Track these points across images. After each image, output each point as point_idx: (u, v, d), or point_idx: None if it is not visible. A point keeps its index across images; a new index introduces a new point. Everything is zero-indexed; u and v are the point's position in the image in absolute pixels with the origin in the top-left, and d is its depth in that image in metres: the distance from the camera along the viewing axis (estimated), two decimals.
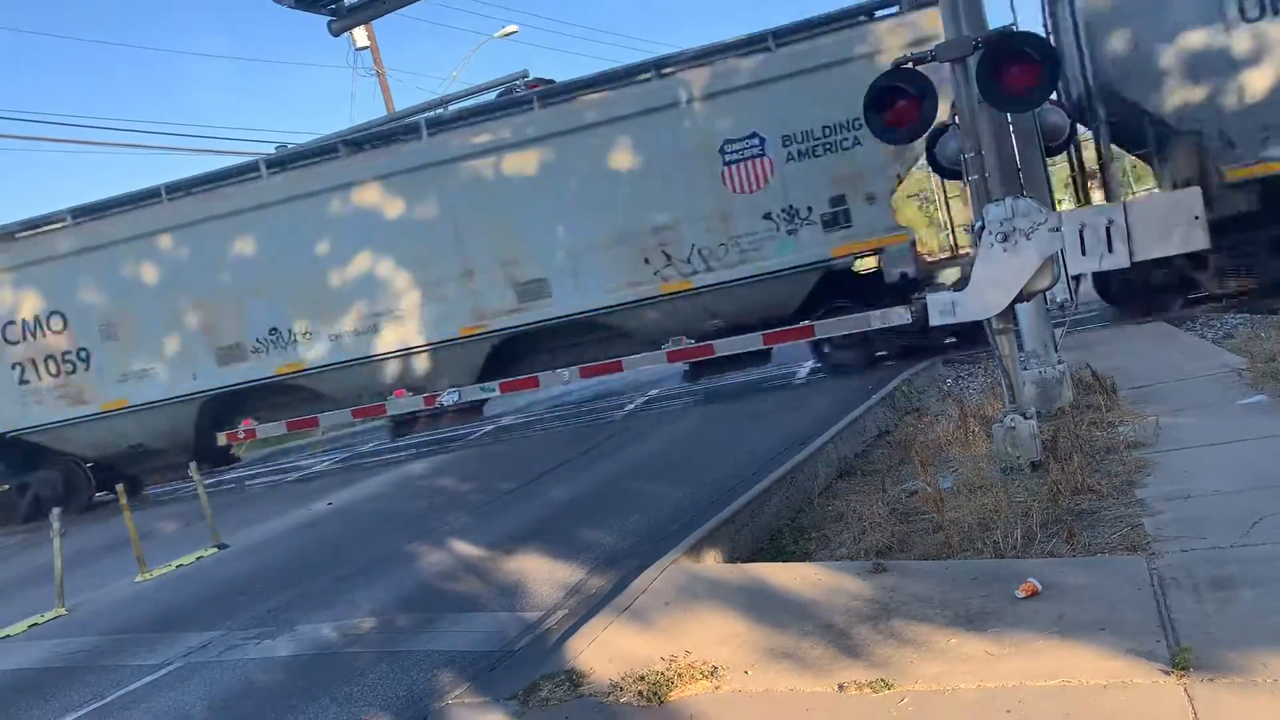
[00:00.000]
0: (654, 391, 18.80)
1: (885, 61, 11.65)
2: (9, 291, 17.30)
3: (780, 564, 6.56)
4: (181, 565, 11.22)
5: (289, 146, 18.81)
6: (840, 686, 4.53)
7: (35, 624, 9.69)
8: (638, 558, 7.33)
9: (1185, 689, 3.87)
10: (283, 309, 16.45)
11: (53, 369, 17.35)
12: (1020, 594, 5.04)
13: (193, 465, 13.27)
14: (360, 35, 27.29)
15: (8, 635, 9.46)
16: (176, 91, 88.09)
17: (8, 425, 17.62)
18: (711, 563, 6.74)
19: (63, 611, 9.97)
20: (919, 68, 7.81)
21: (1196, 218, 6.98)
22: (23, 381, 17.44)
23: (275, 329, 16.53)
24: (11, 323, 17.33)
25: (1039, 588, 5.05)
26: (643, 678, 4.93)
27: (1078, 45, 13.91)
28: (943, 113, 8.08)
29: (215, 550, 11.72)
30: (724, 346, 14.89)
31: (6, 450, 17.76)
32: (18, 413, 17.52)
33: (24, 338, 17.40)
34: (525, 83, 16.61)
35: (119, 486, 12.28)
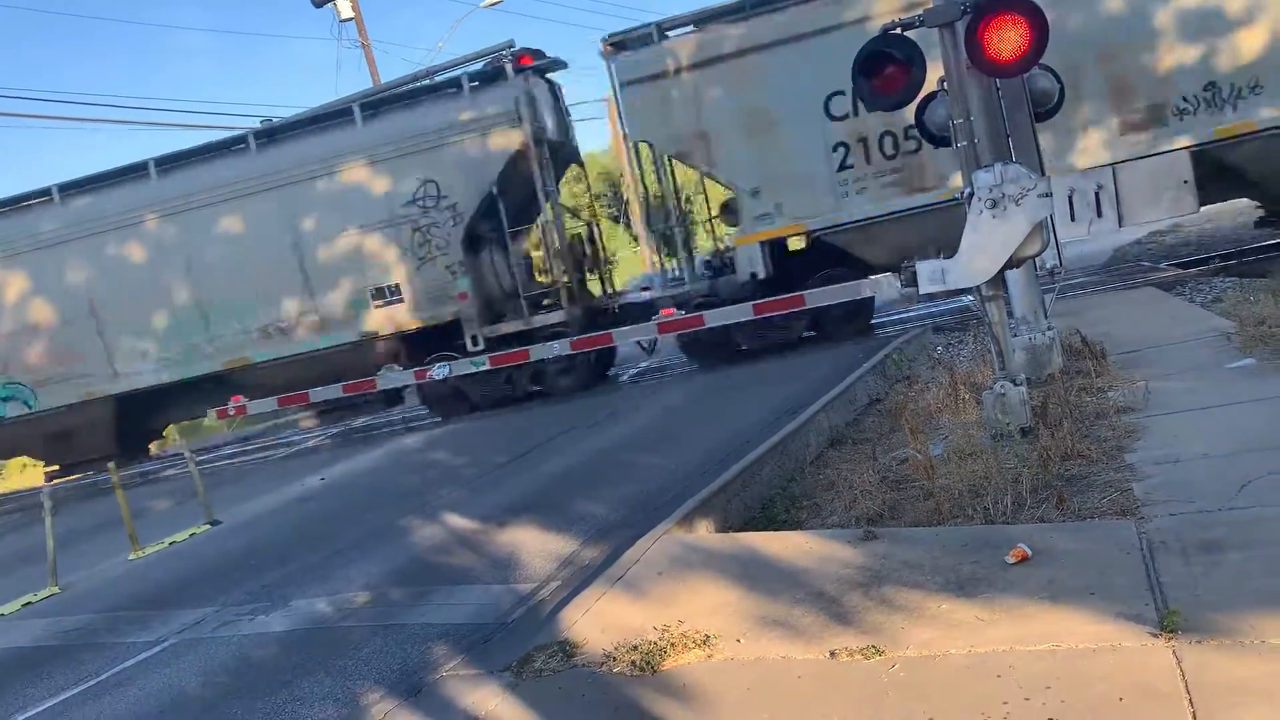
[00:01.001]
0: (645, 363, 18.80)
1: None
2: None
3: (772, 533, 6.59)
4: (174, 542, 11.23)
5: (274, 120, 18.68)
6: (832, 653, 4.56)
7: (29, 603, 9.70)
8: (630, 528, 7.35)
9: (1174, 651, 3.90)
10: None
11: None
12: (1010, 559, 5.06)
13: (185, 443, 13.25)
14: (345, 6, 27.01)
15: (1, 614, 9.47)
16: (158, 66, 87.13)
17: None
18: (704, 532, 6.76)
19: (56, 590, 9.98)
20: (908, 33, 7.76)
21: (1186, 181, 6.95)
22: None
23: None
24: None
25: (1029, 553, 5.08)
26: (636, 647, 4.96)
27: None
28: (932, 80, 8.03)
29: (208, 527, 11.73)
30: (714, 317, 14.89)
31: None
32: None
33: None
34: (512, 53, 16.45)
35: (110, 465, 12.27)
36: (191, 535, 11.47)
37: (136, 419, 18.69)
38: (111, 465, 12.23)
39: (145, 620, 8.11)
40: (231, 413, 16.99)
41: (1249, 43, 12.79)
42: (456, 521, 9.15)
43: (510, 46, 16.68)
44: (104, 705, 6.36)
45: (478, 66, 16.67)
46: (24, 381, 18.13)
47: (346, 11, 27.22)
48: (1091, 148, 12.05)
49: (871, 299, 15.47)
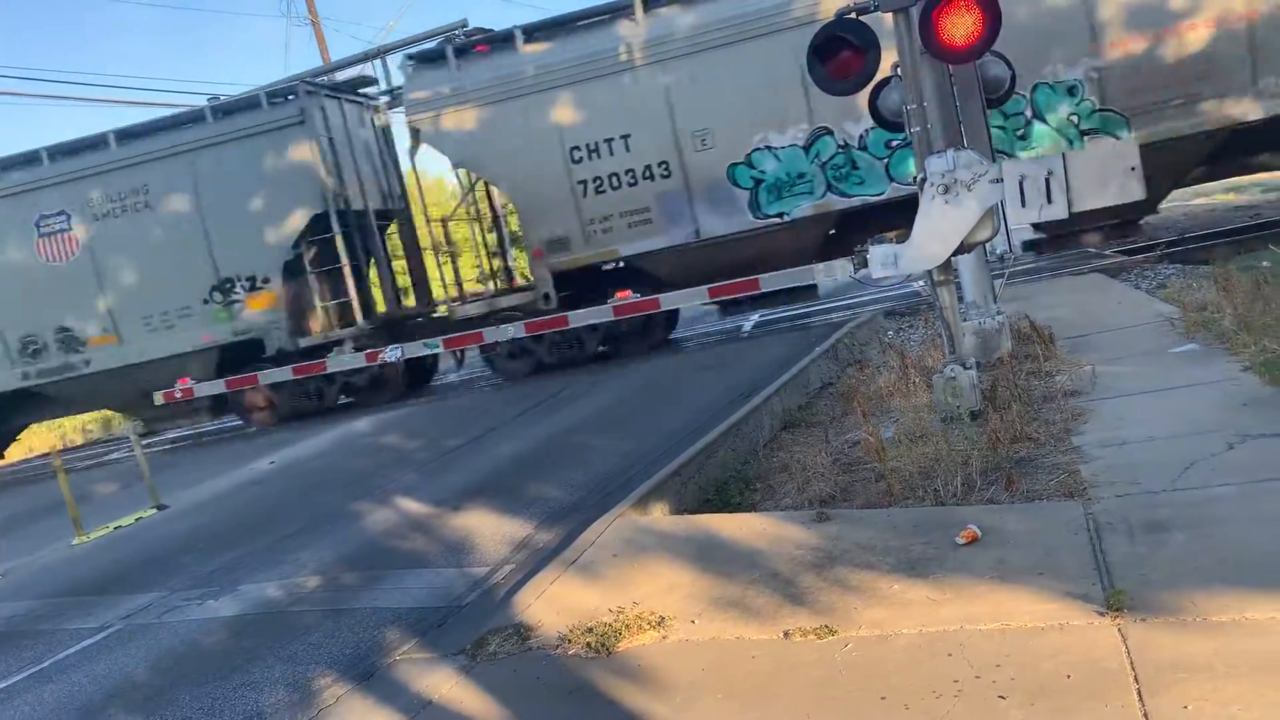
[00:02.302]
0: (603, 348, 18.75)
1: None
2: None
3: (726, 515, 6.61)
4: (120, 527, 11.03)
5: (221, 98, 18.32)
6: (786, 634, 4.59)
7: None
8: (585, 512, 7.34)
9: (1119, 629, 3.98)
10: None
11: None
12: (960, 540, 5.13)
13: (130, 425, 12.99)
14: None
15: None
16: (103, 41, 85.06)
17: None
18: (659, 515, 6.77)
19: None
20: (862, 18, 7.77)
21: (1133, 168, 7.04)
22: None
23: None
24: None
25: (979, 534, 5.15)
26: (590, 629, 4.96)
27: None
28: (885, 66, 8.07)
29: (155, 511, 11.53)
30: (669, 300, 14.90)
31: None
32: None
33: None
34: (464, 32, 16.27)
35: (53, 448, 12.01)
36: (137, 520, 11.27)
37: None
38: (54, 449, 11.97)
39: (89, 606, 7.96)
40: (178, 395, 16.70)
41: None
42: (409, 505, 9.08)
43: (463, 25, 16.51)
44: (46, 692, 6.23)
45: (431, 45, 16.47)
46: None
47: None
48: None
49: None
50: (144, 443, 13.52)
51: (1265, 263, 10.56)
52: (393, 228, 19.40)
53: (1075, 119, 14.52)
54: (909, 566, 5.01)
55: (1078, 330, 9.85)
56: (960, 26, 7.12)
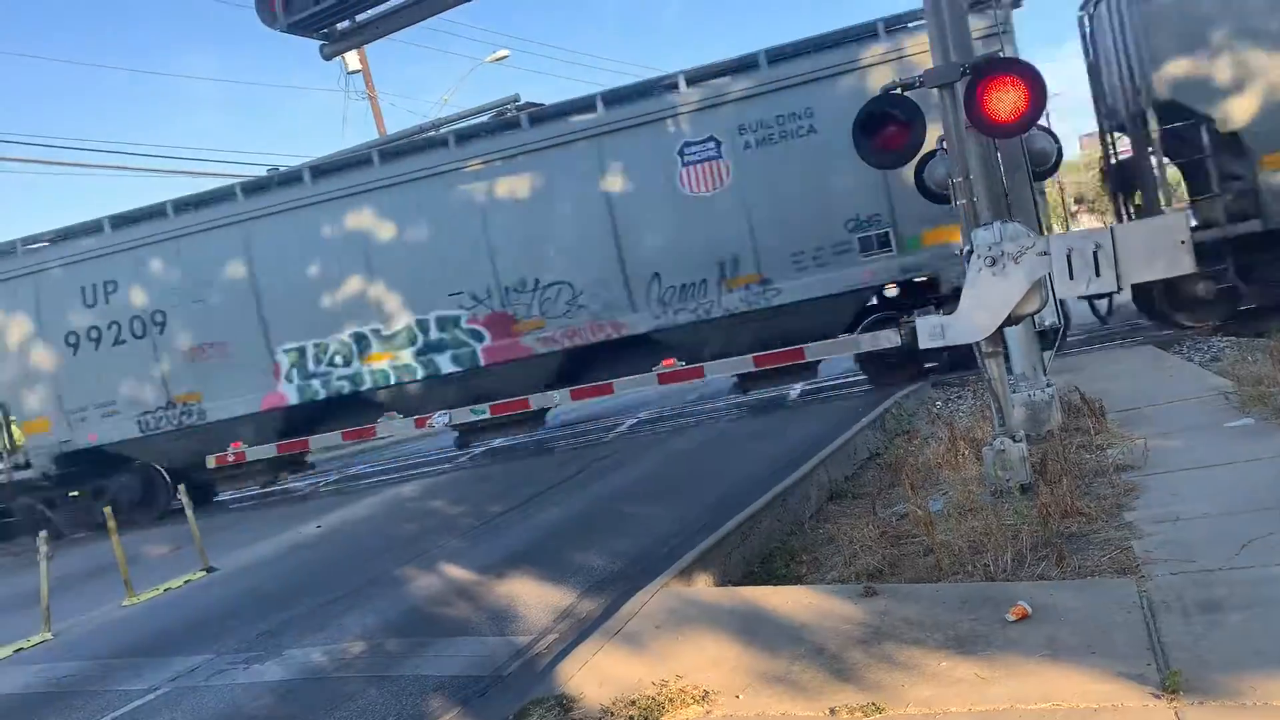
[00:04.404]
0: (644, 414, 18.83)
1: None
2: None
3: (771, 587, 6.56)
4: (169, 589, 11.15)
5: (280, 169, 18.87)
6: (832, 711, 4.53)
7: (20, 649, 9.60)
8: (629, 581, 7.32)
9: (1176, 712, 3.88)
10: None
11: None
12: (1010, 617, 5.05)
13: (180, 488, 13.19)
14: (352, 59, 27.41)
15: None
16: (168, 114, 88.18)
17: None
18: (703, 586, 6.73)
19: (49, 636, 9.89)
20: (907, 93, 7.89)
21: (1182, 242, 6.98)
22: None
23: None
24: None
25: (1029, 610, 5.06)
26: (634, 702, 4.92)
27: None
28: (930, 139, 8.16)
29: (204, 574, 11.66)
30: (714, 369, 14.97)
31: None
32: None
33: None
34: (516, 106, 16.68)
35: (106, 510, 12.22)
36: (186, 582, 11.40)
37: None
38: (108, 510, 12.18)
39: (138, 668, 8.04)
40: (230, 459, 16.96)
41: None
42: (453, 571, 9.10)
43: (515, 100, 16.92)
44: None
45: (486, 119, 16.88)
46: None
47: (354, 64, 27.63)
48: None
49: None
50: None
51: None
52: None
53: None
54: (958, 643, 4.93)
55: (1129, 403, 9.72)
56: (1005, 101, 7.21)
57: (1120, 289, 7.35)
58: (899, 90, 7.89)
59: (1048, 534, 6.25)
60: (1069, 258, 6.98)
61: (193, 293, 16.81)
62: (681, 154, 15.14)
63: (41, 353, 17.41)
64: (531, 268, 15.64)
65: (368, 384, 16.38)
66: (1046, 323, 10.22)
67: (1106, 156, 16.50)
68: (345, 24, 11.20)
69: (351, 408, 16.75)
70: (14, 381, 17.67)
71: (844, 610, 5.61)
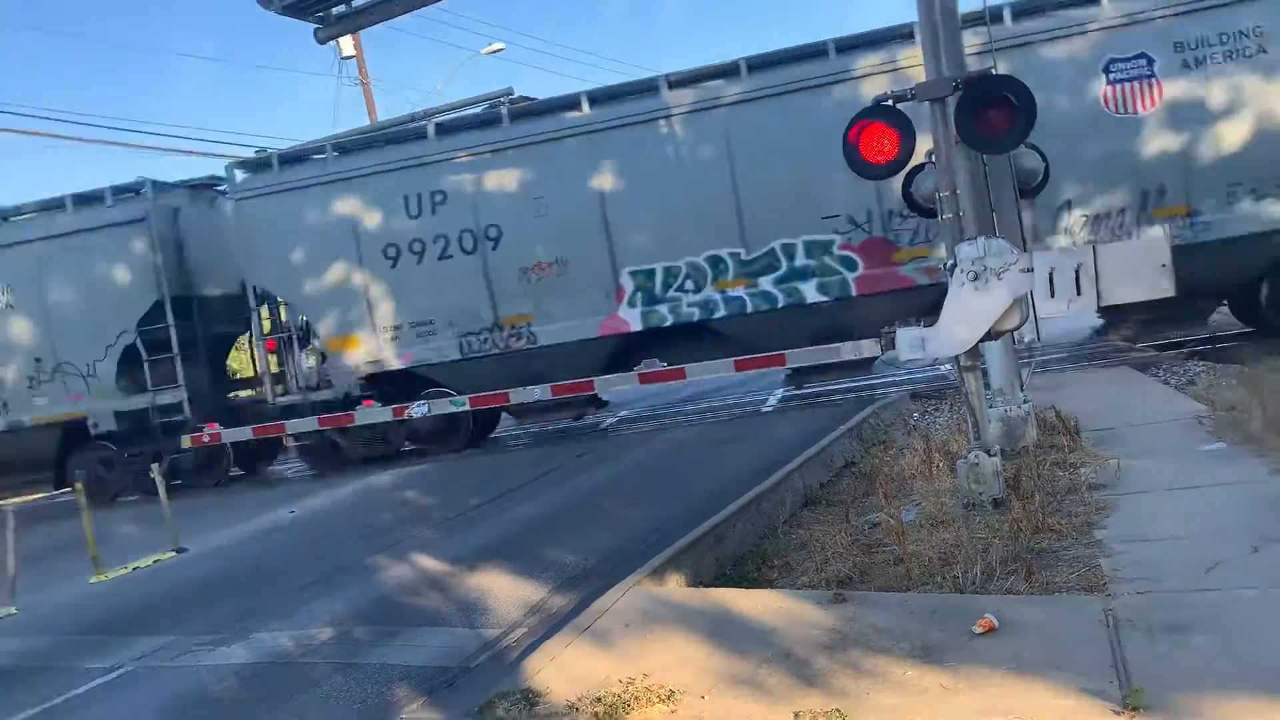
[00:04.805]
0: (625, 412, 18.83)
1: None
2: None
3: (742, 590, 6.57)
4: (138, 568, 11.08)
5: (269, 151, 18.77)
6: (796, 715, 4.54)
7: None
8: (601, 578, 7.33)
9: None
10: None
11: None
12: (978, 629, 5.08)
13: (154, 466, 13.10)
14: (347, 44, 27.29)
15: None
16: (157, 91, 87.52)
17: None
18: (674, 586, 6.75)
19: (13, 611, 9.82)
20: (899, 105, 7.91)
21: (1164, 265, 7.09)
22: None
23: None
24: None
25: (996, 624, 5.10)
26: (599, 699, 4.93)
27: None
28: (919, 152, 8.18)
29: (174, 554, 11.59)
30: (695, 370, 14.98)
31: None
32: None
33: None
34: (509, 100, 16.65)
35: (77, 485, 12.13)
36: (156, 562, 11.33)
37: None
38: (78, 485, 12.09)
39: (104, 645, 7.99)
40: (206, 439, 16.86)
41: None
42: (425, 562, 9.09)
43: (509, 94, 16.89)
44: None
45: (478, 110, 16.84)
46: None
47: (348, 49, 27.51)
48: None
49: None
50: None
51: None
52: None
53: None
54: (924, 653, 4.96)
55: (1104, 423, 9.79)
56: (995, 118, 7.25)
57: (1099, 309, 7.42)
58: (890, 101, 7.91)
59: (1018, 549, 6.30)
60: (1051, 276, 7.03)
61: (532, 207, 15.56)
62: (1108, 70, 13.92)
63: (355, 265, 16.21)
64: None
65: (721, 311, 15.12)
66: (1026, 339, 10.27)
67: None
68: (340, 8, 11.17)
69: (692, 339, 15.47)
70: (321, 295, 16.42)
71: (813, 616, 5.63)
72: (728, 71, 15.00)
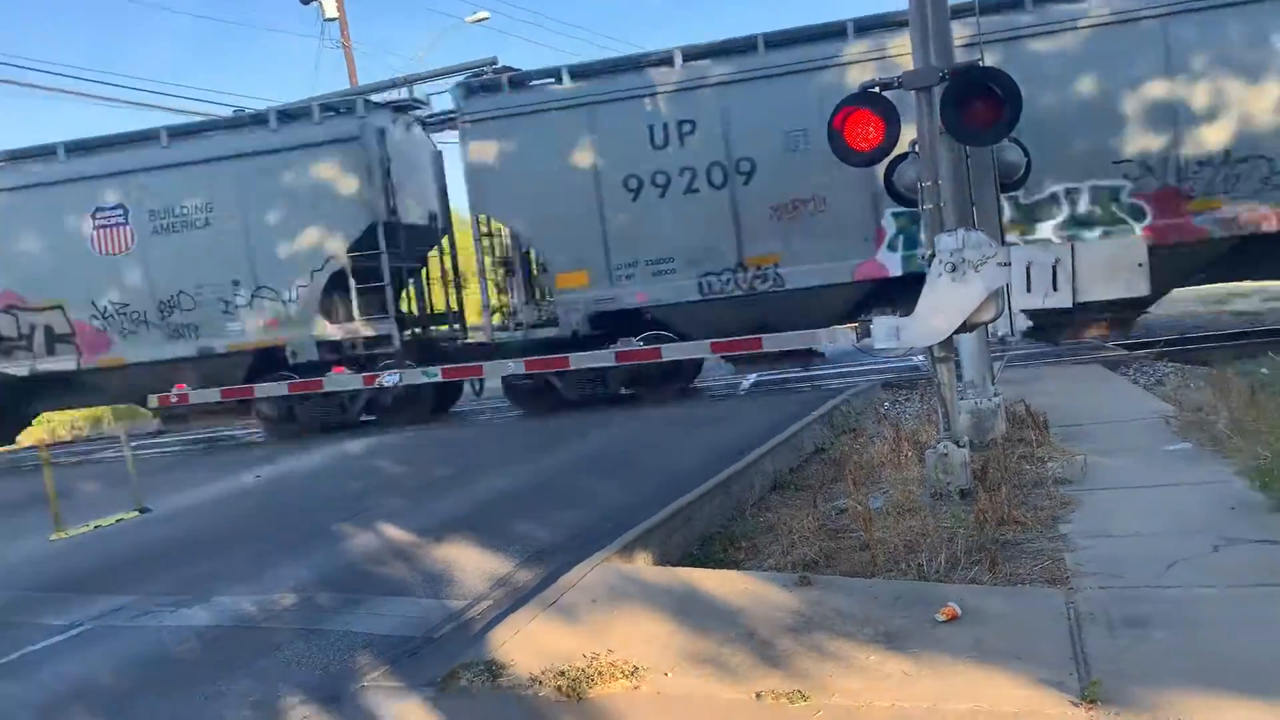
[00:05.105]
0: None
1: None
2: None
3: (709, 570, 6.60)
4: (100, 526, 10.97)
5: (245, 111, 18.51)
6: (758, 695, 4.57)
7: None
8: (568, 554, 7.32)
9: None
10: None
11: None
12: (940, 617, 5.12)
13: (121, 425, 12.97)
14: (330, 6, 26.96)
15: None
16: (131, 44, 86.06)
17: None
18: (642, 564, 6.76)
19: None
20: (885, 93, 7.91)
21: (1140, 265, 7.11)
22: None
23: None
24: None
25: (959, 612, 5.14)
26: (563, 673, 4.93)
27: None
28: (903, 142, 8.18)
29: (137, 514, 11.48)
30: (671, 351, 15.00)
31: None
32: None
33: None
34: (493, 69, 16.49)
35: (40, 439, 11.99)
36: (118, 521, 11.22)
37: None
38: (41, 441, 11.94)
39: (62, 603, 7.89)
40: (174, 400, 16.70)
41: None
42: (392, 531, 9.05)
43: (493, 63, 16.73)
44: (7, 688, 6.17)
45: (461, 79, 16.67)
46: None
47: (331, 11, 27.17)
48: None
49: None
50: (134, 444, 13.49)
51: (1264, 369, 10.63)
52: None
53: None
54: (887, 638, 4.99)
55: (1072, 419, 9.89)
56: (980, 110, 7.27)
57: (1073, 305, 7.45)
58: (877, 89, 7.91)
59: (983, 539, 6.36)
60: (1028, 270, 7.06)
61: (790, 141, 14.78)
62: None
63: (592, 197, 15.42)
64: (1226, 136, 13.66)
65: None
66: (1000, 333, 10.34)
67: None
68: None
69: None
70: (551, 226, 15.68)
71: (778, 598, 5.66)
72: (1013, 3, 14.30)
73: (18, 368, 16.98)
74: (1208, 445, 8.21)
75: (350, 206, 16.28)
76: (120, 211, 16.76)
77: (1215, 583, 5.31)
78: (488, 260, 16.80)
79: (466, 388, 17.96)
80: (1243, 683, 4.10)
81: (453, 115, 16.45)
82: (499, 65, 16.60)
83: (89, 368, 17.09)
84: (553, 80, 15.77)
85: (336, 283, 16.49)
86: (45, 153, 17.09)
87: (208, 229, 16.61)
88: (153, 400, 16.89)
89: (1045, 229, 14.30)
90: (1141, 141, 13.98)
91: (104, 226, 16.77)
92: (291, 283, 16.50)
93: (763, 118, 14.87)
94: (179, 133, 17.13)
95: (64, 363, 17.04)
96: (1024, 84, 14.12)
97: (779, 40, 15.05)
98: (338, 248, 16.34)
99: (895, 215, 14.47)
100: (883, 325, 7.71)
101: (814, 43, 14.91)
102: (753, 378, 17.86)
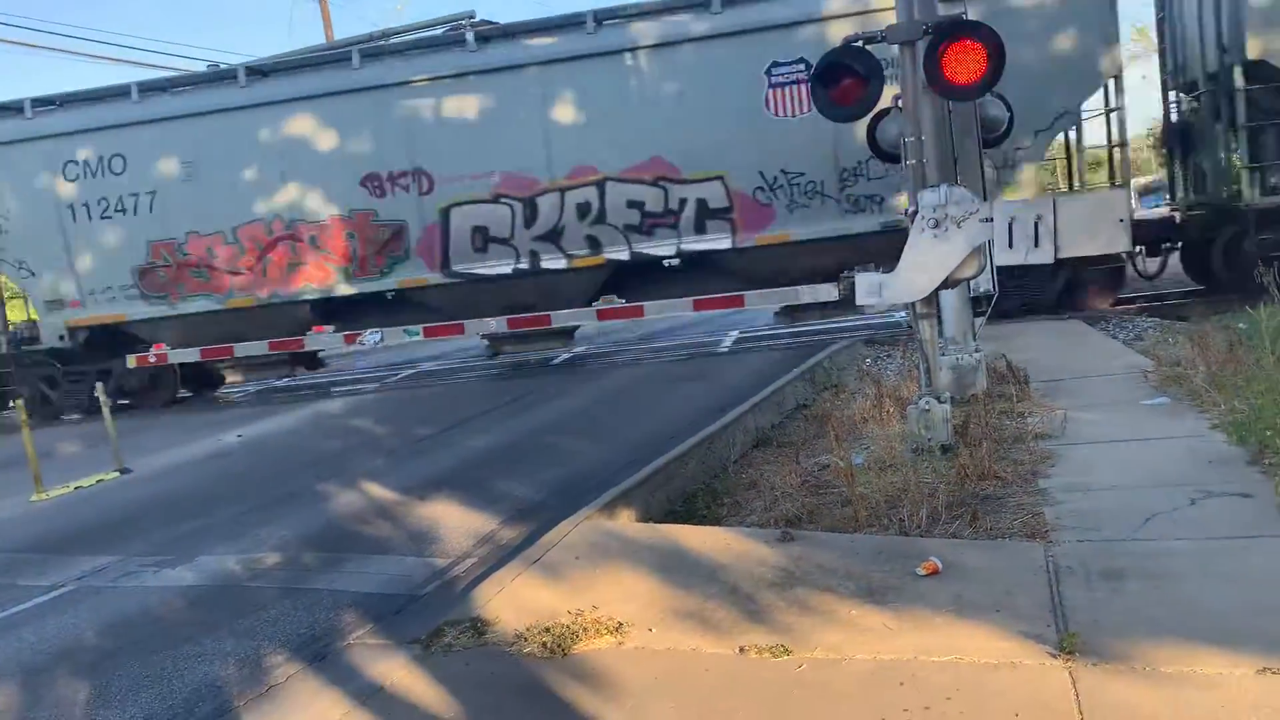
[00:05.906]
0: (581, 349, 18.79)
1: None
2: None
3: (692, 526, 6.63)
4: (80, 487, 10.93)
5: (219, 66, 18.21)
6: (741, 649, 4.61)
7: None
8: (552, 511, 7.34)
9: (1070, 672, 4.03)
10: None
11: None
12: (921, 571, 5.17)
13: (98, 385, 12.86)
14: None
15: None
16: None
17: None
18: (625, 521, 6.78)
19: None
20: (868, 47, 7.84)
21: (1121, 220, 7.13)
22: None
23: None
24: None
25: (940, 566, 5.19)
26: (548, 629, 4.96)
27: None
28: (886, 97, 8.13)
29: (117, 474, 11.43)
30: (653, 309, 14.98)
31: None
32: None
33: None
34: (471, 24, 16.26)
35: (18, 401, 11.89)
36: (99, 481, 11.18)
37: None
38: (19, 401, 11.85)
39: (43, 564, 7.89)
40: (152, 359, 16.58)
41: None
42: (375, 490, 9.05)
43: (471, 16, 16.49)
44: None
45: (437, 33, 16.42)
46: None
47: None
48: None
49: None
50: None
51: (1241, 324, 10.70)
52: None
53: None
54: (868, 593, 5.04)
55: (1052, 374, 9.95)
56: (964, 64, 7.21)
57: (1054, 261, 7.48)
58: (860, 43, 7.84)
59: (964, 494, 6.40)
60: (1010, 226, 7.07)
61: None
62: None
63: None
64: None
65: None
66: (981, 289, 10.36)
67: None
68: None
69: None
70: None
71: (760, 553, 5.70)
72: None
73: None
74: (1186, 400, 8.28)
75: None
76: None
77: (1192, 535, 5.38)
78: None
79: None
80: (1216, 634, 4.17)
81: None
82: (477, 19, 16.36)
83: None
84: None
85: None
86: None
87: None
88: (130, 360, 16.76)
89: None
90: None
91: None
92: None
93: None
94: None
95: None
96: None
97: None
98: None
99: None
100: (865, 281, 7.72)
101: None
102: (735, 334, 17.88)
